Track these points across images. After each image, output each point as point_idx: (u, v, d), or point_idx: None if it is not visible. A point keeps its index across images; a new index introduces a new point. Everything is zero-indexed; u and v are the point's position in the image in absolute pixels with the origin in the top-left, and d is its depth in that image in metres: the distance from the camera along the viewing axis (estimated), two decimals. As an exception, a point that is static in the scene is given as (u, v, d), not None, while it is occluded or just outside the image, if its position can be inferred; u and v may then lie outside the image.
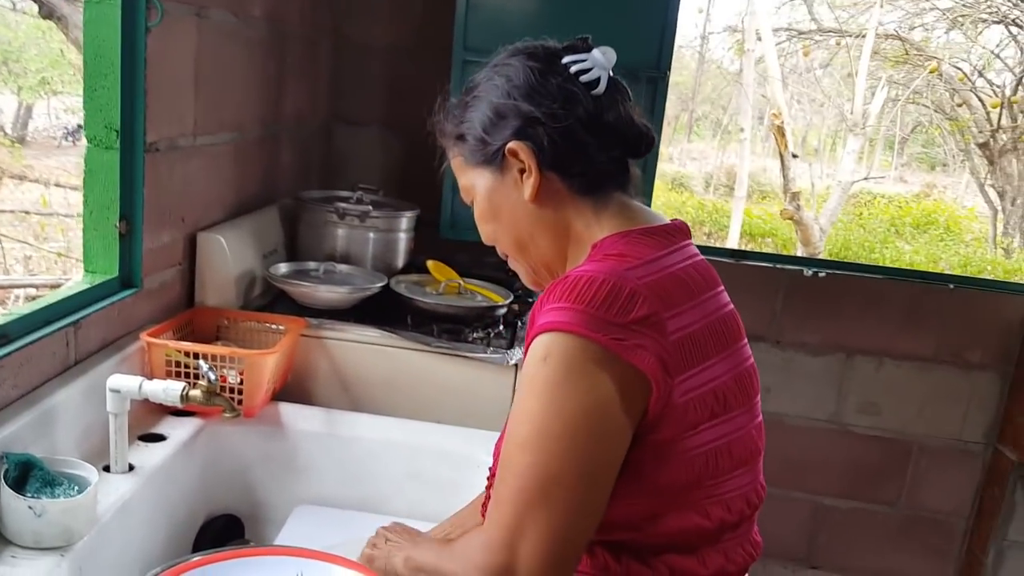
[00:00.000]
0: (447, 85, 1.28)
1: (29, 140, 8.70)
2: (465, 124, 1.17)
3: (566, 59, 1.14)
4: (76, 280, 1.69)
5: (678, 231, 1.15)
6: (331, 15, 2.72)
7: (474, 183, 1.19)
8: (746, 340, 1.17)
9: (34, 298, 5.46)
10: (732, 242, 8.24)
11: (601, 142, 1.13)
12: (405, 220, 2.33)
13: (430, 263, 2.20)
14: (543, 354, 0.99)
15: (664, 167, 12.63)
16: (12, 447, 1.26)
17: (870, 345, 2.90)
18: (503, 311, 2.09)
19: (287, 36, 2.37)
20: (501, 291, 2.16)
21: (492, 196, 1.17)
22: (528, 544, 0.96)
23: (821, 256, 6.74)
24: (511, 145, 1.12)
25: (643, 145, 1.17)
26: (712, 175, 12.49)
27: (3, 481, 1.20)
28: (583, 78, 1.12)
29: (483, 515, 1.24)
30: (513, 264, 1.24)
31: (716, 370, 1.07)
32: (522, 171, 1.14)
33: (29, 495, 1.20)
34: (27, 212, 6.92)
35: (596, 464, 0.98)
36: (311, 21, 2.56)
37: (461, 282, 2.15)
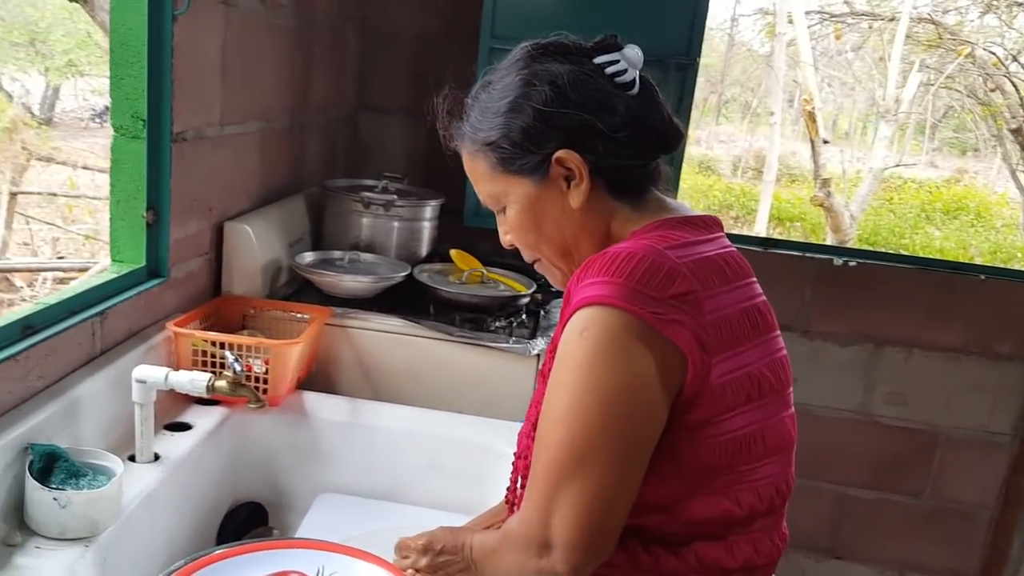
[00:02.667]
0: (449, 85, 1.23)
1: (56, 121, 8.78)
2: (498, 131, 1.12)
3: (599, 59, 1.12)
4: (103, 264, 1.70)
5: (712, 222, 1.16)
6: (358, 3, 2.71)
7: (508, 191, 1.15)
8: (779, 332, 1.17)
9: (62, 281, 5.52)
10: (760, 226, 8.17)
11: (642, 143, 1.12)
12: (429, 209, 2.33)
13: (453, 252, 2.20)
14: (581, 327, 0.98)
15: (692, 150, 12.53)
16: (37, 438, 1.28)
17: (899, 335, 2.86)
18: (526, 300, 2.09)
19: (314, 24, 2.37)
20: (524, 280, 2.15)
21: (534, 205, 1.14)
22: (561, 517, 0.98)
23: (851, 242, 6.66)
24: (560, 154, 1.10)
25: (677, 142, 1.16)
26: (740, 158, 12.38)
27: (28, 472, 1.21)
28: (618, 79, 1.11)
29: (507, 501, 1.26)
30: (544, 268, 1.22)
31: (751, 355, 1.07)
32: (567, 179, 1.11)
33: (54, 486, 1.22)
34: (54, 194, 6.99)
35: (631, 440, 0.99)
36: (338, 9, 2.55)
37: (484, 271, 2.15)
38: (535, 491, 1.01)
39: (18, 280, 6.02)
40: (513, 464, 1.24)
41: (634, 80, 1.12)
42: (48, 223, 7.26)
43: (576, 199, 1.11)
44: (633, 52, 1.12)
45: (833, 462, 2.97)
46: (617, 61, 1.11)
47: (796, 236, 9.47)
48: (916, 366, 2.87)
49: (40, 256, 7.08)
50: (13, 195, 6.81)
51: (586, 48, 1.14)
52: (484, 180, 1.17)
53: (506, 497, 1.28)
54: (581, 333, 0.98)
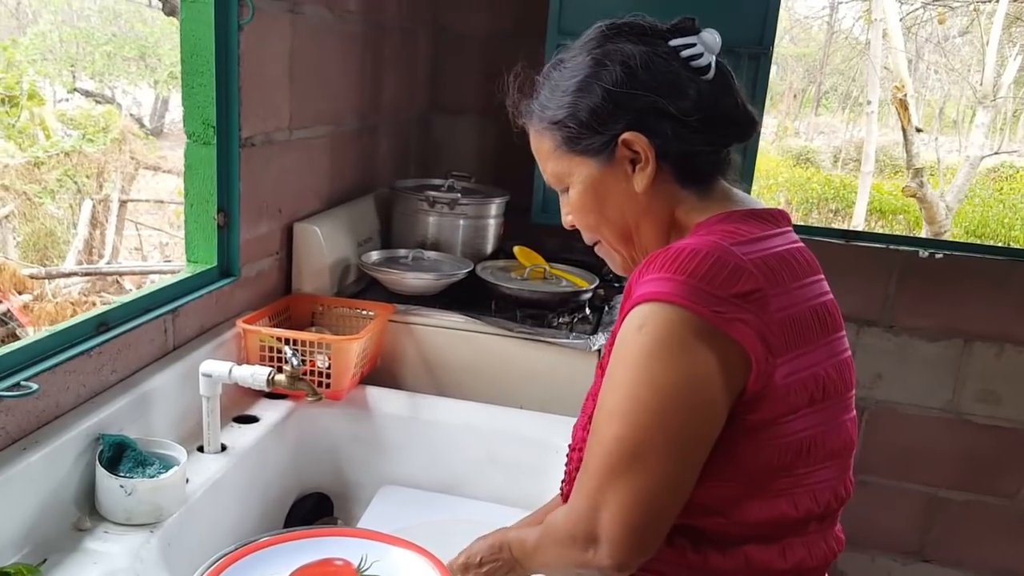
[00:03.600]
0: (521, 64, 1.21)
1: (166, 132, 9.19)
2: (566, 110, 1.11)
3: (674, 42, 1.09)
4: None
5: (780, 216, 1.13)
6: (429, 5, 2.76)
7: (572, 171, 1.14)
8: (844, 332, 1.13)
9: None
10: (858, 219, 7.93)
11: (713, 130, 1.09)
12: (494, 206, 2.36)
13: (516, 249, 2.22)
14: (639, 323, 0.98)
15: (790, 142, 12.24)
16: (109, 429, 1.36)
17: (990, 330, 2.74)
18: (588, 296, 2.09)
19: (384, 28, 2.43)
20: (587, 276, 2.16)
21: (597, 187, 1.12)
22: (610, 512, 0.97)
23: (947, 234, 6.39)
24: (627, 136, 1.08)
25: (751, 131, 1.14)
26: (840, 149, 12.02)
27: (98, 461, 1.29)
28: (693, 63, 1.09)
29: (561, 492, 1.27)
30: (604, 251, 1.20)
31: (817, 355, 1.04)
32: (633, 162, 1.10)
33: (122, 474, 1.29)
34: (162, 201, 7.31)
35: (686, 439, 0.97)
36: (408, 12, 2.60)
37: (547, 267, 2.16)
38: (585, 484, 1.00)
39: (128, 283, 6.34)
40: (568, 456, 1.24)
41: (709, 65, 1.09)
42: (156, 228, 7.62)
43: (640, 183, 1.09)
44: (711, 36, 1.10)
45: (921, 462, 2.86)
46: (693, 44, 1.09)
47: (899, 228, 9.15)
48: (1008, 362, 2.74)
49: (149, 260, 7.44)
50: (123, 203, 7.18)
51: (662, 30, 1.11)
52: (549, 159, 1.16)
53: (561, 489, 1.28)
54: (639, 329, 0.97)
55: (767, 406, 0.99)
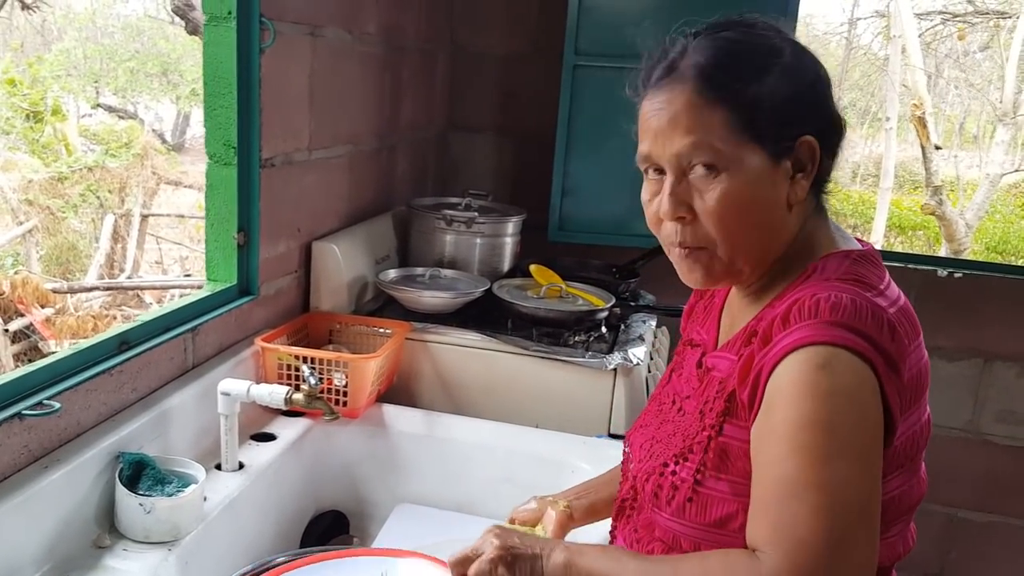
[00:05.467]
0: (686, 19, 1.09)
1: (187, 147, 9.29)
2: (766, 91, 1.00)
3: None
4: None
5: (878, 256, 1.09)
6: (448, 26, 2.79)
7: (736, 158, 1.00)
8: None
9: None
10: (877, 235, 7.89)
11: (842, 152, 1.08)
12: (511, 225, 2.37)
13: (532, 267, 2.23)
14: (821, 362, 0.91)
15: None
16: (128, 447, 1.37)
17: (1011, 350, 2.73)
18: (604, 315, 2.09)
19: (404, 49, 2.45)
20: (603, 295, 2.16)
21: (756, 183, 1.01)
22: (852, 567, 0.87)
23: (966, 252, 6.35)
24: (811, 139, 1.02)
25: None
26: (859, 165, 11.98)
27: (118, 479, 1.31)
28: None
29: (631, 508, 1.16)
30: (692, 255, 1.06)
31: (919, 414, 1.01)
32: (796, 168, 1.03)
33: (140, 492, 1.31)
34: (182, 216, 7.38)
35: (878, 484, 0.92)
36: (427, 33, 2.63)
37: (563, 286, 2.17)
38: (812, 536, 0.87)
39: (148, 297, 6.40)
40: (649, 471, 1.11)
41: None
42: (176, 243, 7.69)
43: (801, 192, 1.03)
44: None
45: (941, 482, 2.83)
46: None
47: (918, 244, 9.10)
48: (1030, 382, 2.72)
49: (170, 274, 7.51)
50: (144, 217, 7.26)
51: None
52: (709, 131, 1.00)
53: (633, 505, 1.17)
54: (822, 367, 0.90)
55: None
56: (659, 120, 1.02)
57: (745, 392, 0.99)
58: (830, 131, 1.04)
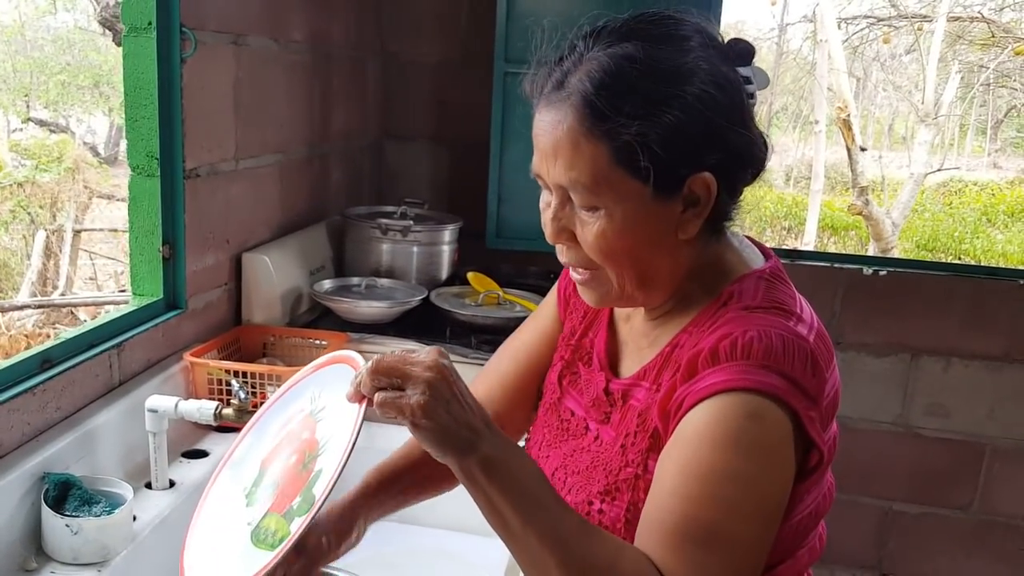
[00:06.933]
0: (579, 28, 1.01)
1: (120, 160, 9.11)
2: (658, 128, 0.90)
3: (742, 71, 0.96)
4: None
5: (783, 271, 1.05)
6: (377, 34, 2.78)
7: (617, 192, 0.92)
8: None
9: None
10: (810, 236, 8.05)
11: (753, 178, 1.01)
12: (448, 233, 2.37)
13: (470, 275, 2.23)
14: (751, 411, 0.88)
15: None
16: (54, 467, 1.34)
17: (936, 345, 2.80)
18: (541, 321, 2.10)
19: (332, 57, 2.44)
20: (540, 301, 2.16)
21: (641, 219, 0.94)
22: None
23: (894, 251, 6.53)
24: (706, 177, 0.93)
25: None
26: (792, 168, 12.23)
27: (43, 500, 1.27)
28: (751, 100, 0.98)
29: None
30: (594, 281, 1.01)
31: (831, 430, 1.00)
32: (688, 203, 0.95)
33: (67, 514, 1.27)
34: (116, 230, 7.23)
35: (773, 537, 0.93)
36: (356, 41, 2.61)
37: (501, 293, 2.18)
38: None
39: (82, 314, 6.25)
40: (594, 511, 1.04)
41: (754, 103, 0.98)
42: (111, 258, 7.53)
43: (691, 229, 0.96)
44: (760, 71, 0.98)
45: (874, 476, 2.90)
46: (750, 79, 0.97)
47: (851, 244, 9.32)
48: (956, 376, 2.80)
49: (104, 290, 7.34)
50: (77, 232, 7.09)
51: (731, 54, 0.96)
52: (589, 167, 0.92)
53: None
54: (751, 417, 0.88)
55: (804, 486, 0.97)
56: (544, 142, 0.96)
57: (667, 426, 0.96)
58: (736, 164, 0.95)
